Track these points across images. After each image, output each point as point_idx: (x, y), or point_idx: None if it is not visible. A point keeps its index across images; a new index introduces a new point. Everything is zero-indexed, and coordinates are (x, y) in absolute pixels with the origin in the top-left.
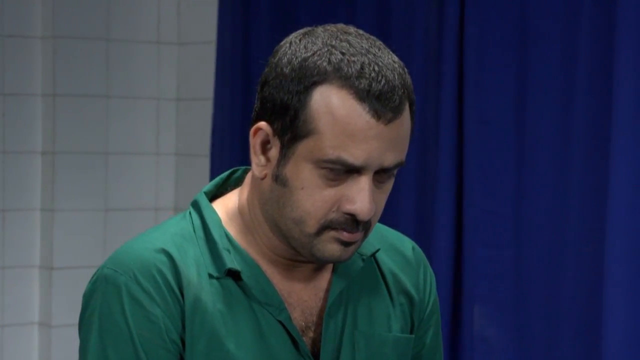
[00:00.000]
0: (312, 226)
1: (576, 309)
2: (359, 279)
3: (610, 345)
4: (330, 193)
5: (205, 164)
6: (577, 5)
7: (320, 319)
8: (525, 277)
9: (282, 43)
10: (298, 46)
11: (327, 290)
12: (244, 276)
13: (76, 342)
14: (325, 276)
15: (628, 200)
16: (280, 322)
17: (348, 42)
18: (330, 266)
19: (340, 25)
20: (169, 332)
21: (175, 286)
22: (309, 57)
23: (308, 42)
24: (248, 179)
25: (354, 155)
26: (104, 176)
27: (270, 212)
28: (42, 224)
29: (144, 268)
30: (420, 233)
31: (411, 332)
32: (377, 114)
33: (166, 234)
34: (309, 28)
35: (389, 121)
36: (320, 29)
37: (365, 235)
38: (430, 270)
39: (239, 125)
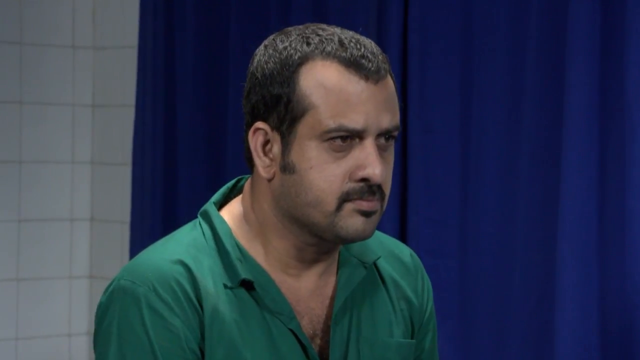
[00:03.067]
0: (330, 203)
1: (525, 319)
2: (362, 285)
3: (561, 357)
4: (339, 166)
5: (122, 172)
6: (525, 10)
7: (327, 326)
8: (471, 286)
9: (256, 51)
10: (273, 44)
11: (332, 298)
12: (256, 286)
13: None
14: (330, 284)
15: (579, 208)
16: (290, 330)
17: (321, 28)
18: (334, 273)
19: (309, 23)
20: (189, 342)
21: (194, 297)
22: (287, 47)
23: (283, 38)
24: (247, 186)
25: (353, 119)
26: (17, 185)
27: (285, 208)
28: None
29: (163, 279)
30: None
31: (412, 337)
32: (365, 76)
33: (181, 245)
34: (279, 31)
35: (377, 81)
36: (290, 28)
37: (382, 207)
38: (427, 276)
39: (161, 132)
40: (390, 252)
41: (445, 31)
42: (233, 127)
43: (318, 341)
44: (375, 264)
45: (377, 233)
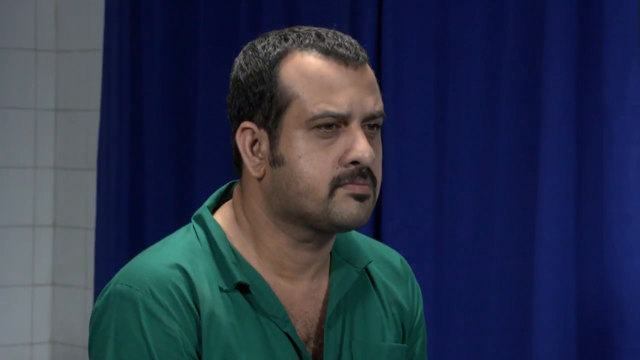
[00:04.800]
0: (322, 190)
1: (502, 324)
2: (354, 289)
3: None
4: (327, 153)
5: (86, 177)
6: (501, 14)
7: (320, 329)
8: (447, 292)
9: (235, 58)
10: (252, 47)
11: (325, 301)
12: (252, 289)
13: None
14: (322, 287)
15: (557, 213)
16: (285, 333)
17: (298, 27)
18: (327, 276)
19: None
20: (186, 346)
21: (191, 301)
22: (265, 45)
23: (261, 39)
24: (237, 191)
25: (337, 104)
26: None
27: (278, 203)
28: None
29: (160, 283)
30: None
31: (403, 342)
32: (345, 62)
33: (176, 249)
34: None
35: (356, 67)
36: (268, 32)
37: (375, 194)
38: (416, 282)
39: (127, 137)
40: (381, 257)
41: (419, 36)
42: (201, 132)
43: (312, 344)
44: (366, 269)
45: (367, 238)
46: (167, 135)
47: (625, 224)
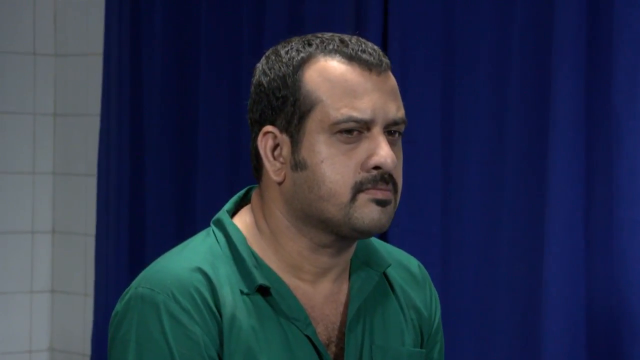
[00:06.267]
0: (344, 194)
1: (510, 330)
2: (373, 293)
3: None
4: (350, 157)
5: (85, 183)
6: (509, 18)
7: (341, 333)
8: (454, 297)
9: (257, 65)
10: (275, 52)
11: (346, 305)
12: (272, 291)
13: None
14: (343, 291)
15: (565, 219)
16: (307, 336)
17: (320, 34)
18: (347, 280)
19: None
20: (208, 350)
21: (213, 305)
22: (289, 50)
23: (284, 44)
24: (256, 196)
25: (360, 109)
26: None
27: (299, 208)
28: None
29: (182, 287)
30: None
31: (421, 347)
32: (369, 67)
33: (197, 253)
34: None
35: (379, 73)
36: (290, 38)
37: (396, 200)
38: (434, 288)
39: (127, 142)
40: (399, 262)
41: (426, 41)
42: (202, 137)
43: (333, 348)
44: (384, 273)
45: (384, 243)
46: (167, 140)
47: (635, 229)
